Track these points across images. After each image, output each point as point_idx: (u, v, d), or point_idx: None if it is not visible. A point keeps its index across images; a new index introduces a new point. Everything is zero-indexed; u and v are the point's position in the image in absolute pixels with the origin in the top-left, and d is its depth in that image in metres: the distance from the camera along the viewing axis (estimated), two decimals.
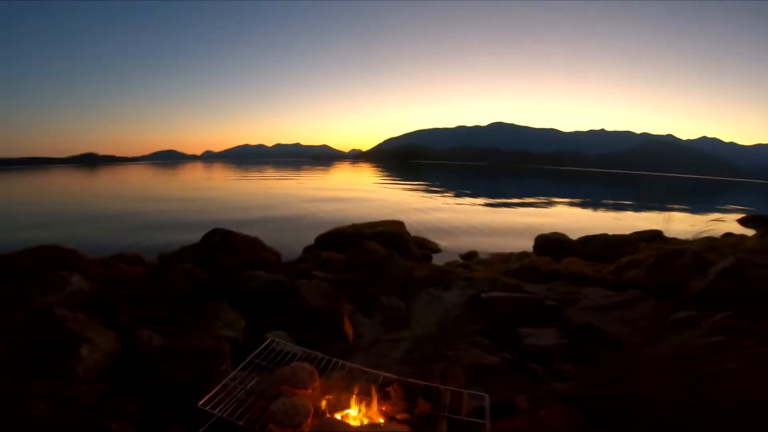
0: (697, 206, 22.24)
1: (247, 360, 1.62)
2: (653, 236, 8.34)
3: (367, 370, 1.66)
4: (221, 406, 1.39)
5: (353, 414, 1.52)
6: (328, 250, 5.29)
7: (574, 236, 8.34)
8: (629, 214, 17.63)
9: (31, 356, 1.86)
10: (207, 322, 2.52)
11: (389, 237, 5.10)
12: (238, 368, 1.60)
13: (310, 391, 1.50)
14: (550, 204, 20.49)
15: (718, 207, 22.65)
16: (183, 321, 2.76)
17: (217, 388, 1.45)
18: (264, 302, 2.79)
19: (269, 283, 2.94)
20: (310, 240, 7.39)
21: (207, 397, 1.40)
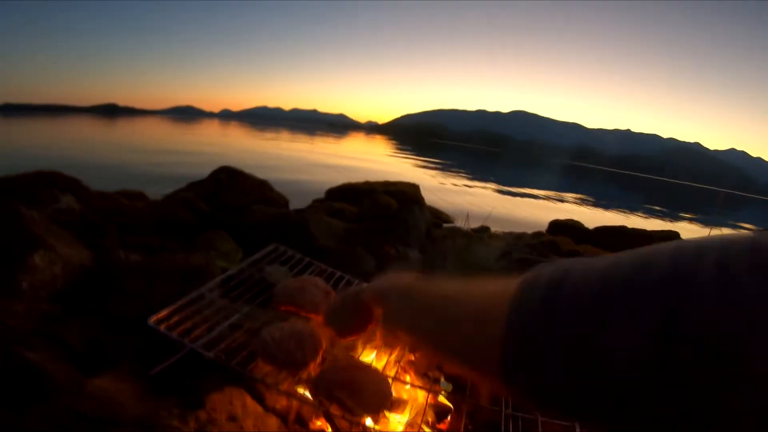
0: (713, 218, 21.75)
1: (240, 267, 1.25)
2: (670, 236, 8.01)
3: None
4: (184, 326, 0.98)
5: (373, 358, 1.19)
6: (339, 202, 5.02)
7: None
8: (643, 217, 17.25)
9: None
10: (199, 251, 2.23)
11: (403, 196, 4.79)
12: (221, 276, 1.22)
13: (321, 317, 1.14)
14: (564, 200, 20.05)
15: (733, 222, 22.15)
16: (172, 249, 2.47)
17: (184, 300, 1.07)
18: (268, 237, 2.49)
19: (275, 216, 2.63)
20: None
21: (167, 312, 0.99)
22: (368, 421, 0.96)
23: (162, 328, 0.94)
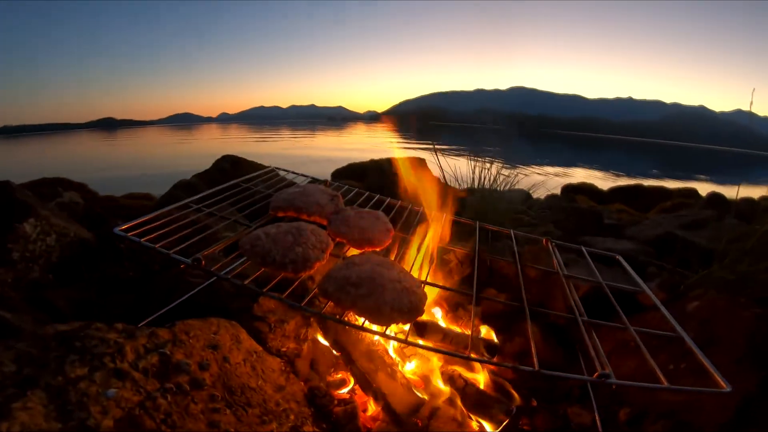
0: (727, 178, 21.07)
1: (232, 183, 1.15)
2: (690, 194, 7.74)
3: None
4: (160, 232, 0.84)
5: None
6: (346, 180, 4.92)
7: None
8: (656, 182, 16.81)
9: None
10: None
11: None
12: (212, 189, 1.12)
13: (325, 221, 0.95)
14: (572, 175, 19.60)
15: (748, 180, 21.36)
16: None
17: (164, 209, 0.96)
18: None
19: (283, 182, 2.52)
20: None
21: (141, 220, 0.87)
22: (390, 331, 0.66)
23: (131, 235, 0.80)
